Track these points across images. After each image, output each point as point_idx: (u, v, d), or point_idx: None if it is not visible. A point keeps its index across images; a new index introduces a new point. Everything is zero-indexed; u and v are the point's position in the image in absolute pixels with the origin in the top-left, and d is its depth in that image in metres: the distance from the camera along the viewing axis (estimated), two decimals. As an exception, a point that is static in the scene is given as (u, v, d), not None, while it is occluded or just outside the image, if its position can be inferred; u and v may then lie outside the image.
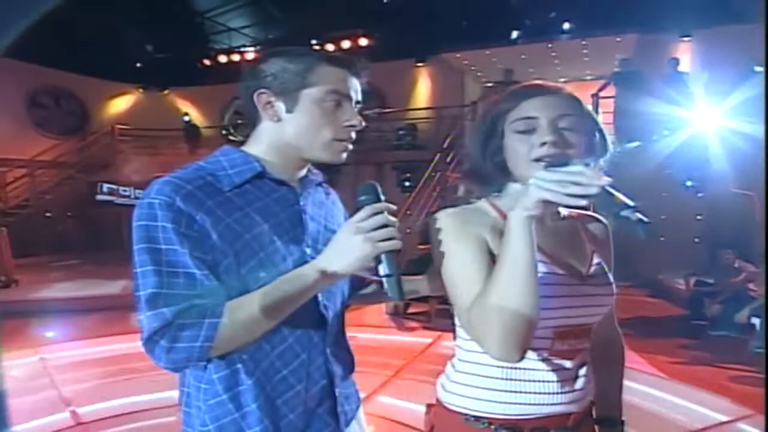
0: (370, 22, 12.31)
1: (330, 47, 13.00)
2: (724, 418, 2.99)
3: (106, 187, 9.91)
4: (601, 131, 0.99)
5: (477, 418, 0.95)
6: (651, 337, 4.83)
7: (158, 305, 0.83)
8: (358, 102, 1.02)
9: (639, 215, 0.75)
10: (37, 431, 2.85)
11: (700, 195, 7.75)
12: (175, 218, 0.85)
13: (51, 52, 10.68)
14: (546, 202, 0.78)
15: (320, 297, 0.98)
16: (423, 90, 11.86)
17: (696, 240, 7.12)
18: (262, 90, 0.96)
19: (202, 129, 12.59)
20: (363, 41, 12.63)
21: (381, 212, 0.87)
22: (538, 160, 0.90)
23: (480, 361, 0.96)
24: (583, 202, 0.77)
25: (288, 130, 0.97)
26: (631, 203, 0.76)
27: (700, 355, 4.26)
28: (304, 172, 1.05)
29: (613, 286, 1.00)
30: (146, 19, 11.75)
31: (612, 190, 0.77)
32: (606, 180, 0.77)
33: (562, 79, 11.63)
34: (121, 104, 12.91)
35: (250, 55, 13.40)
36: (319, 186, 1.10)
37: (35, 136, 11.29)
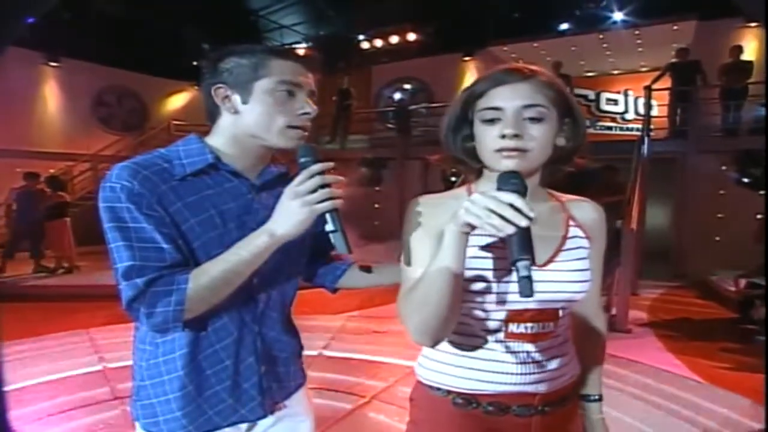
0: (418, 17, 12.30)
1: (378, 42, 13.17)
2: (759, 426, 2.84)
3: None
4: (575, 118, 0.98)
5: (438, 388, 1.02)
6: (694, 340, 4.62)
7: (132, 276, 0.92)
8: (312, 92, 1.07)
9: (527, 269, 0.77)
10: (80, 402, 3.09)
11: (761, 193, 7.29)
12: (136, 200, 0.93)
13: (115, 53, 11.40)
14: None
15: (255, 280, 1.04)
16: (470, 84, 11.73)
17: (755, 240, 6.70)
18: (220, 85, 1.03)
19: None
20: (411, 36, 12.66)
21: (320, 173, 0.93)
22: (499, 150, 0.92)
23: None
24: (500, 234, 0.78)
25: (246, 120, 1.03)
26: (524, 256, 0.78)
27: (744, 361, 4.03)
28: (264, 164, 1.11)
29: (585, 273, 0.98)
30: (202, 19, 12.24)
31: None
32: (532, 214, 0.77)
33: (616, 72, 11.21)
34: (177, 101, 13.53)
35: (300, 51, 13.74)
36: (283, 176, 1.14)
37: (99, 133, 12.05)
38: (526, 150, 0.91)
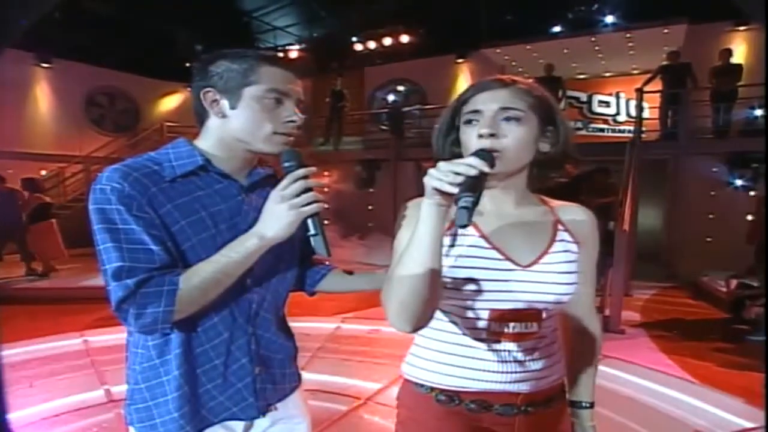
0: (411, 19, 12.33)
1: (371, 44, 13.19)
2: (749, 425, 2.87)
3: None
4: (555, 122, 1.02)
5: (422, 385, 1.04)
6: (686, 340, 4.66)
7: (122, 277, 0.92)
8: (299, 100, 1.08)
9: (467, 203, 0.79)
10: (74, 406, 3.07)
11: (752, 194, 7.37)
12: (126, 202, 0.93)
13: (107, 53, 11.33)
14: (439, 191, 0.82)
15: (248, 281, 1.05)
16: (463, 86, 11.66)
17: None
18: (209, 89, 1.03)
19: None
20: (404, 38, 12.68)
21: (304, 178, 0.95)
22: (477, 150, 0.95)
23: (427, 335, 1.04)
24: (454, 190, 0.81)
25: (233, 125, 1.04)
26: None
27: (736, 360, 4.07)
28: (251, 166, 1.11)
29: (571, 276, 1.00)
30: (195, 20, 12.20)
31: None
32: (486, 168, 0.82)
33: (608, 74, 11.27)
34: (170, 102, 13.43)
35: (293, 54, 13.73)
36: (270, 178, 1.15)
37: (91, 134, 11.95)
38: (501, 150, 0.94)
